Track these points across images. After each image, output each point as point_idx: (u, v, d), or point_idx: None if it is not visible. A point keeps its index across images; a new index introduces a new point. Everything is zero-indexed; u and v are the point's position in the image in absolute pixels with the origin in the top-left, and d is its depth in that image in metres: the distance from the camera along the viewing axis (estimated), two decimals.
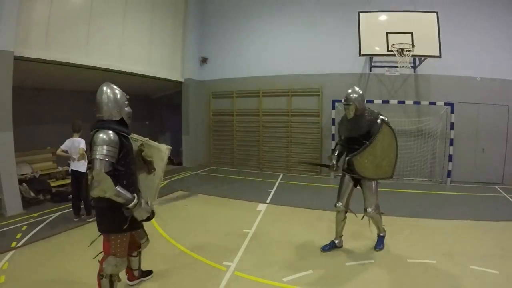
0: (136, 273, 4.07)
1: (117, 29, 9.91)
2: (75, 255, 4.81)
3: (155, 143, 3.92)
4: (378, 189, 5.03)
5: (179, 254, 4.98)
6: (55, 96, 10.56)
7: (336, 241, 5.30)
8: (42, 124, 9.97)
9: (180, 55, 12.74)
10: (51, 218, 6.60)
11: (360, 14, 10.02)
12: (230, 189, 9.41)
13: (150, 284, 4.10)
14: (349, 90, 5.01)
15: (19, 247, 5.19)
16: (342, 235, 5.34)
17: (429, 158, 10.59)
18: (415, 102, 10.29)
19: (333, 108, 10.72)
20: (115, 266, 3.41)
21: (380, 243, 5.24)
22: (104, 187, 2.99)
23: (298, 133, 11.88)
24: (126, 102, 3.45)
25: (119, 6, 9.91)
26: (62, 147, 6.45)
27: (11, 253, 4.93)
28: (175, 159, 12.95)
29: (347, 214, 5.20)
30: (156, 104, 15.64)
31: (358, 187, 5.10)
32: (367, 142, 4.76)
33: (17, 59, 7.01)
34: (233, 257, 4.81)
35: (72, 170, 6.53)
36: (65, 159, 7.02)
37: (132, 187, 3.36)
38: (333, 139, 10.56)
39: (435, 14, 9.59)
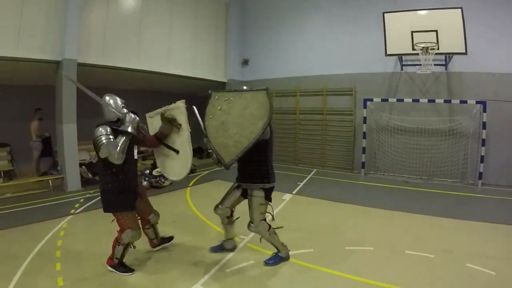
0: (155, 241, 5.32)
1: (164, 36, 12.35)
2: None
3: (172, 105, 4.93)
4: (259, 204, 4.87)
5: (205, 227, 6.60)
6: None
7: (224, 242, 5.49)
8: (100, 118, 12.64)
9: (223, 58, 14.93)
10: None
11: (385, 14, 11.10)
12: None
13: (178, 247, 5.55)
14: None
15: (76, 213, 7.54)
16: (232, 238, 5.52)
17: (461, 158, 11.10)
18: (446, 101, 10.97)
19: (365, 107, 11.99)
20: (131, 237, 4.55)
21: (273, 258, 5.03)
22: (110, 151, 4.12)
23: (332, 131, 13.40)
24: (123, 106, 4.65)
25: (166, 15, 12.35)
26: None
27: (69, 217, 7.22)
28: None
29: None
30: (202, 102, 17.77)
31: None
32: None
33: (80, 65, 9.62)
34: (249, 233, 5.77)
35: None
36: None
37: (121, 175, 4.40)
38: (364, 138, 12.03)
39: (460, 10, 10.17)
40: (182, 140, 4.84)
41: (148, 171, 10.20)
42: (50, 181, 9.82)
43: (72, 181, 9.69)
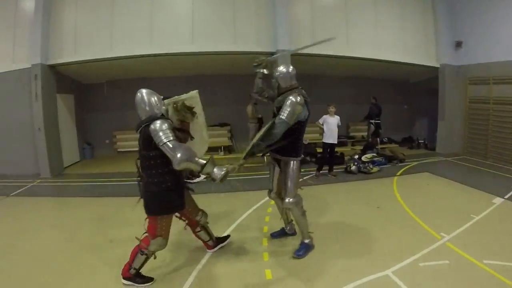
0: (210, 243, 5.04)
1: (370, 21, 12.47)
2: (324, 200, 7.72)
3: (184, 94, 4.68)
4: (299, 176, 5.02)
5: (405, 215, 6.65)
6: (319, 81, 14.16)
7: (287, 228, 5.64)
8: (312, 104, 13.50)
9: (433, 40, 13.91)
10: (312, 174, 10.03)
11: None
12: (473, 178, 9.87)
13: (376, 233, 5.77)
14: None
15: None
16: (292, 221, 5.54)
17: None
18: None
19: None
20: (159, 246, 4.17)
21: (301, 249, 5.05)
22: (190, 160, 3.63)
23: None
24: (159, 104, 4.07)
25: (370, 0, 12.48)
26: (320, 120, 9.79)
27: None
28: (429, 144, 14.64)
29: None
30: (414, 89, 17.06)
31: None
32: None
33: (293, 54, 10.48)
34: (451, 232, 5.77)
35: (324, 142, 9.85)
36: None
37: (178, 171, 3.94)
38: None
39: None
40: (197, 126, 4.75)
41: (357, 156, 10.71)
42: (265, 157, 10.96)
43: None
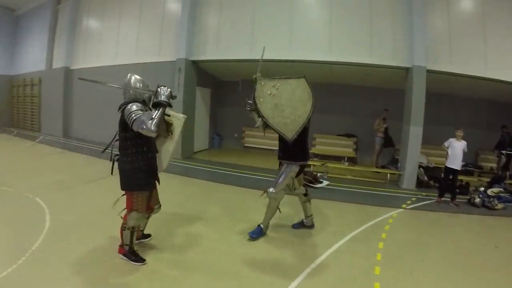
0: (139, 233, 5.19)
1: (509, 41, 11.21)
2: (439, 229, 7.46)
3: (174, 112, 4.98)
4: (289, 176, 5.78)
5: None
6: (449, 101, 13.76)
7: (305, 220, 6.50)
8: (439, 125, 13.02)
9: None
10: (433, 200, 9.47)
11: None
12: None
13: (487, 270, 5.61)
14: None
15: (407, 208, 8.61)
16: (311, 215, 6.50)
17: None
18: None
19: None
20: (136, 220, 4.55)
21: (256, 232, 5.87)
22: (145, 122, 3.97)
23: None
24: (143, 91, 4.53)
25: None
26: (445, 143, 9.36)
27: (400, 210, 8.40)
28: None
29: (307, 197, 6.37)
30: None
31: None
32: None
33: (429, 72, 10.51)
34: None
35: (446, 166, 9.29)
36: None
37: (151, 153, 4.54)
38: None
39: None
40: (167, 147, 5.05)
41: (483, 188, 9.96)
42: (388, 174, 11.39)
43: (409, 180, 10.75)
